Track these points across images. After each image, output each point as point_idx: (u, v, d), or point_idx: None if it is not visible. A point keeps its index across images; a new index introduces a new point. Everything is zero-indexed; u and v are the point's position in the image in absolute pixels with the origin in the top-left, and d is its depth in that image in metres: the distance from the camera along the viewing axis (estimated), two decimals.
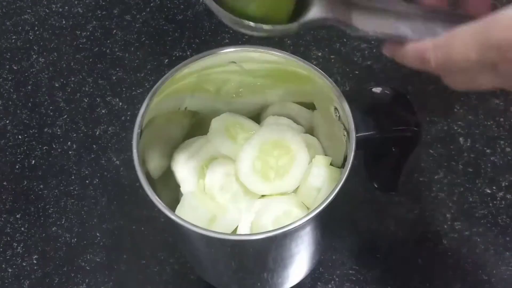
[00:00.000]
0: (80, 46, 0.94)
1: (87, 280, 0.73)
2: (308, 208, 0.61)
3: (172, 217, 0.50)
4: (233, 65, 0.61)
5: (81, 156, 0.82)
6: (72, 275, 0.73)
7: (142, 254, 0.74)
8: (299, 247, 0.56)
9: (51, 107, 0.87)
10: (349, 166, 0.52)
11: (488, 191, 0.77)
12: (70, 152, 0.83)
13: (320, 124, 0.65)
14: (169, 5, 0.98)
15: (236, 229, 0.61)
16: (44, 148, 0.83)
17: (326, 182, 0.59)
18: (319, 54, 0.91)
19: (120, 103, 0.87)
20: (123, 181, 0.80)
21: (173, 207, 0.58)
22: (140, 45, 0.94)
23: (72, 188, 0.80)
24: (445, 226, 0.75)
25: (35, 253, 0.75)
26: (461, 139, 0.81)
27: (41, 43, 0.94)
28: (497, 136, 0.81)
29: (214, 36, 0.94)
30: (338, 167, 0.61)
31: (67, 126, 0.85)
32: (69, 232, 0.76)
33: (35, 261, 0.75)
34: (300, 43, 0.92)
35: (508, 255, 0.73)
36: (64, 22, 0.97)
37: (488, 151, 0.80)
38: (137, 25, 0.96)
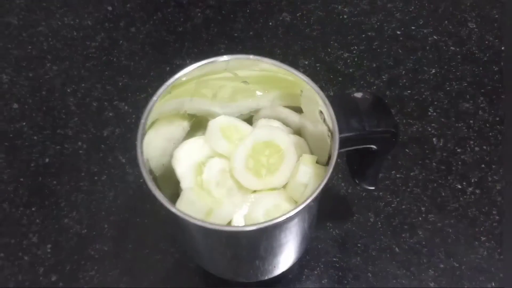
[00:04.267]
0: (90, 55, 0.94)
1: (96, 267, 0.73)
2: (296, 202, 0.61)
3: (173, 210, 0.50)
4: (228, 72, 0.61)
5: (90, 155, 0.82)
6: (82, 262, 0.73)
7: (146, 244, 0.74)
8: (287, 237, 0.56)
9: (63, 111, 0.87)
10: (333, 164, 0.52)
11: (459, 186, 0.77)
12: (81, 151, 0.82)
13: (307, 126, 0.65)
14: (170, 18, 0.98)
15: (230, 221, 0.61)
16: (57, 147, 0.83)
17: (312, 179, 0.59)
18: (306, 62, 0.90)
19: (126, 107, 0.87)
20: (128, 178, 0.80)
21: (173, 201, 0.58)
22: (144, 54, 0.93)
23: (82, 184, 0.79)
24: (420, 218, 0.75)
25: (49, 243, 0.75)
26: (434, 139, 0.81)
27: (54, 53, 0.94)
28: (467, 136, 0.81)
29: (211, 46, 0.94)
30: (323, 165, 0.61)
31: (77, 127, 0.85)
32: (80, 224, 0.76)
33: (49, 250, 0.74)
34: (289, 53, 0.92)
35: (477, 245, 0.73)
36: (75, 33, 0.97)
37: (459, 150, 0.80)
38: (141, 36, 0.96)
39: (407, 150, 0.80)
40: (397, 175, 0.78)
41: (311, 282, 0.71)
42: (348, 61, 0.91)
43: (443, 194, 0.77)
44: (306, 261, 0.73)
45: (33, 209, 0.78)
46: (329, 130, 0.56)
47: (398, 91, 0.86)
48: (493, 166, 0.79)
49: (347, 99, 0.59)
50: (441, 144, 0.81)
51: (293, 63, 0.88)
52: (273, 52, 0.92)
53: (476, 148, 0.80)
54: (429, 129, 0.82)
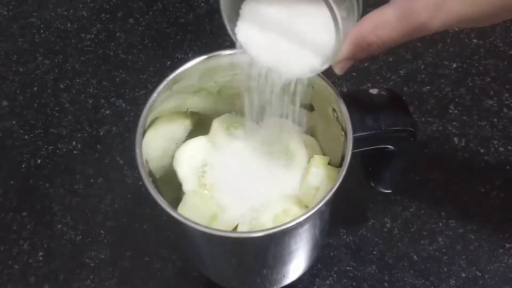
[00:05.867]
0: (85, 48, 0.94)
1: (91, 277, 0.73)
2: (306, 207, 0.61)
3: (174, 215, 0.50)
4: (234, 67, 0.61)
5: (85, 155, 0.82)
6: (77, 271, 0.73)
7: (145, 251, 0.74)
8: (298, 244, 0.56)
9: (56, 108, 0.87)
10: (347, 165, 0.52)
11: (482, 189, 0.77)
12: (75, 152, 0.83)
13: (319, 125, 0.65)
14: (171, 8, 0.98)
15: (236, 227, 0.61)
16: (50, 147, 0.83)
17: (324, 181, 0.59)
18: None
19: (124, 104, 0.87)
20: (126, 180, 0.80)
21: (175, 206, 0.58)
22: (143, 48, 0.94)
23: (77, 186, 0.80)
24: (440, 224, 0.75)
25: (41, 250, 0.75)
26: (455, 139, 0.81)
27: (47, 46, 0.94)
28: (491, 136, 0.81)
29: (215, 38, 0.94)
30: (336, 167, 0.61)
31: (72, 126, 0.85)
32: (74, 230, 0.76)
33: (41, 258, 0.74)
34: None
35: (501, 252, 0.73)
36: (69, 25, 0.97)
37: (482, 150, 0.80)
38: (140, 28, 0.96)
39: (426, 150, 0.80)
40: (416, 178, 0.78)
41: None
42: None
43: (465, 198, 0.77)
44: (317, 269, 0.73)
45: (23, 214, 0.78)
46: (343, 129, 0.56)
47: (416, 87, 0.86)
48: None
49: (362, 96, 0.59)
50: (462, 144, 0.81)
51: None
52: None
53: (501, 149, 0.80)
54: (450, 128, 0.82)
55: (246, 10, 0.52)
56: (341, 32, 0.47)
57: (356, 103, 0.57)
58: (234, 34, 0.53)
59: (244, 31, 0.53)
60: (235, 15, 0.53)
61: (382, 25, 0.47)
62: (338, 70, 0.51)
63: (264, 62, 0.53)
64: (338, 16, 0.46)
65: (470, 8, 0.44)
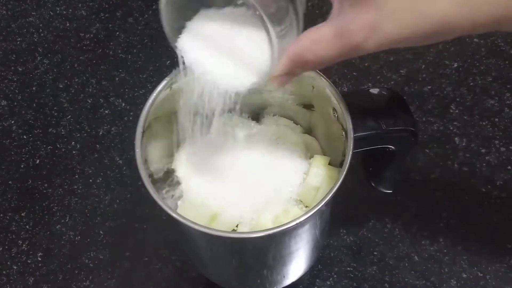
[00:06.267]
0: (84, 48, 0.94)
1: (90, 277, 0.73)
2: (307, 207, 0.61)
3: (174, 215, 0.50)
4: None
5: (84, 155, 0.82)
6: (76, 272, 0.73)
7: (145, 251, 0.74)
8: (298, 244, 0.56)
9: (55, 108, 0.87)
10: (347, 165, 0.52)
11: (483, 190, 0.77)
12: (74, 152, 0.83)
13: (319, 124, 0.65)
14: None
15: (236, 227, 0.61)
16: (49, 147, 0.83)
17: (325, 181, 0.59)
18: None
19: (123, 104, 0.87)
20: (125, 180, 0.80)
21: (174, 206, 0.58)
22: (142, 47, 0.94)
23: (76, 187, 0.80)
24: (441, 224, 0.75)
25: (39, 251, 0.75)
26: (456, 139, 0.81)
27: (46, 45, 0.94)
28: (492, 136, 0.81)
29: None
30: (336, 167, 0.61)
31: (71, 126, 0.85)
32: (73, 230, 0.76)
33: (39, 259, 0.74)
34: None
35: (502, 252, 0.73)
36: (68, 24, 0.97)
37: (483, 150, 0.80)
38: (139, 27, 0.96)
39: (427, 150, 0.80)
40: (416, 178, 0.78)
41: None
42: None
43: (466, 198, 0.77)
44: (318, 270, 0.73)
45: (22, 214, 0.78)
46: (343, 129, 0.56)
47: (417, 87, 0.86)
48: None
49: (363, 96, 0.59)
50: (463, 144, 0.81)
51: None
52: None
53: (502, 148, 0.80)
54: (451, 128, 0.82)
55: (189, 27, 0.53)
56: (276, 49, 0.47)
57: (357, 102, 0.56)
58: (175, 46, 0.54)
59: (186, 43, 0.53)
60: (177, 31, 0.54)
61: (319, 42, 0.47)
62: (275, 85, 0.51)
63: (202, 71, 0.53)
64: (272, 33, 0.46)
65: (405, 31, 0.44)
